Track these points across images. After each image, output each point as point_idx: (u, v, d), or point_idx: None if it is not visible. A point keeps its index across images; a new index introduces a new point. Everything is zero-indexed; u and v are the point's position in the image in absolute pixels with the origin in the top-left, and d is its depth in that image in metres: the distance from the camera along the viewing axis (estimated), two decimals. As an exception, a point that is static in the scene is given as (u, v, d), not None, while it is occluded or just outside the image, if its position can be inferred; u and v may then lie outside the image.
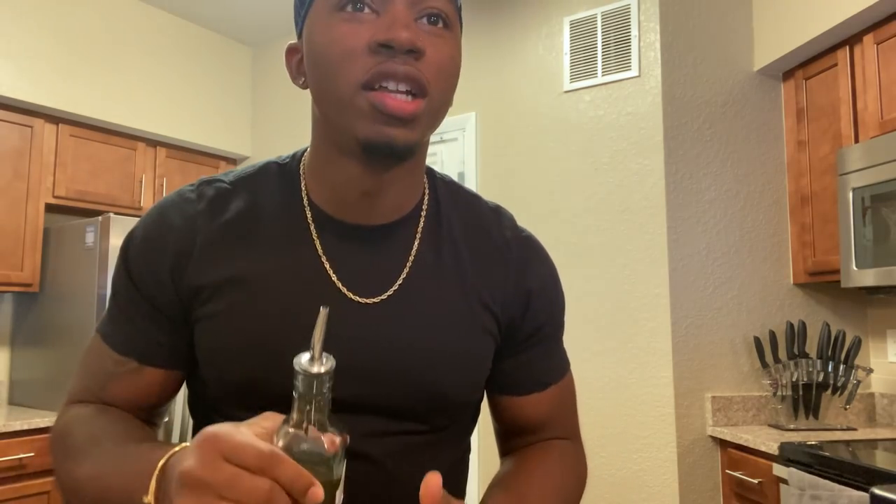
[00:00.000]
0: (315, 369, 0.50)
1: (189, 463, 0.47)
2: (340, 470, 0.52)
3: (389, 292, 0.70)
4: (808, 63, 2.49)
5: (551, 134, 2.70)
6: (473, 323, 0.73)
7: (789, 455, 2.00)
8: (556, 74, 2.71)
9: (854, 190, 2.19)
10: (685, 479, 2.32)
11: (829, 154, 2.38)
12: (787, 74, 2.60)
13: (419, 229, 0.74)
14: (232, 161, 3.75)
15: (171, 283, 0.69)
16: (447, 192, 0.79)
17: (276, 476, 0.46)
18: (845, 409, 2.40)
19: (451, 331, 0.72)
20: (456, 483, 0.79)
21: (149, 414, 0.74)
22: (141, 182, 3.26)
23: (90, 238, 2.80)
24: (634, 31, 2.52)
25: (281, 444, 0.50)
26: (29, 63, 2.86)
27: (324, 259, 0.70)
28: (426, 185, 0.77)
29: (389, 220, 0.72)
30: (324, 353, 0.51)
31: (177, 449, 0.56)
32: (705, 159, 2.51)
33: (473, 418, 0.82)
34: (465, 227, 0.77)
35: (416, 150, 0.68)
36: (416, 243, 0.73)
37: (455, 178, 3.04)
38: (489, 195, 3.04)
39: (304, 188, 0.73)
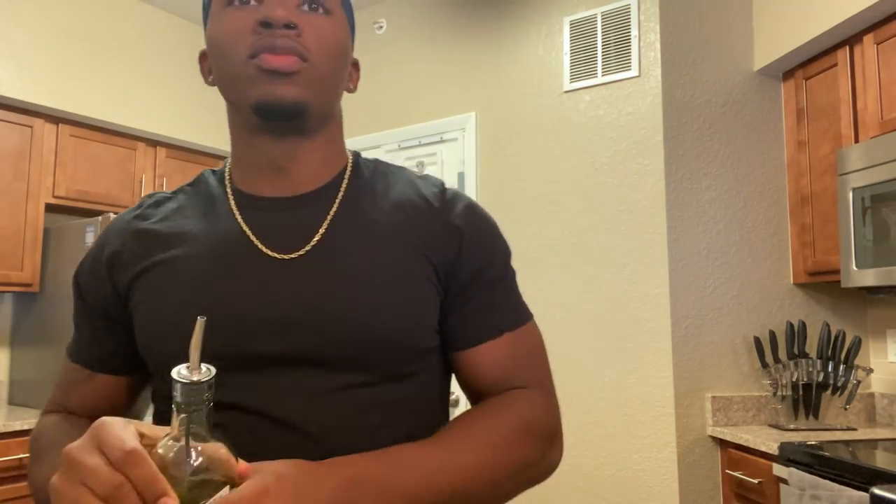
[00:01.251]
0: (194, 377, 0.51)
1: (74, 444, 0.51)
2: (207, 484, 0.51)
3: (308, 247, 0.73)
4: (808, 63, 2.49)
5: (551, 134, 2.70)
6: (407, 269, 0.74)
7: (789, 455, 2.00)
8: (556, 74, 2.71)
9: (854, 190, 2.19)
10: (685, 479, 2.32)
11: (829, 154, 2.38)
12: (787, 74, 2.60)
13: (340, 194, 0.78)
14: (232, 161, 3.75)
15: (111, 286, 0.76)
16: (373, 165, 0.84)
17: (130, 475, 0.49)
18: (845, 409, 2.40)
19: (383, 277, 0.72)
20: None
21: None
22: (141, 182, 3.26)
23: (90, 238, 2.80)
24: (634, 31, 2.52)
25: (160, 451, 0.51)
26: (29, 63, 2.86)
27: (244, 227, 0.74)
28: (349, 161, 0.82)
29: (307, 191, 0.77)
30: (203, 364, 0.52)
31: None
32: (705, 159, 2.51)
33: (433, 378, 0.79)
34: (391, 188, 0.80)
35: (311, 114, 0.73)
36: (335, 205, 0.77)
37: (455, 178, 3.05)
38: (489, 195, 3.03)
39: (227, 177, 0.80)
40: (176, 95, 3.40)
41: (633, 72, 2.51)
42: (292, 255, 0.72)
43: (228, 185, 0.79)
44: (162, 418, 0.75)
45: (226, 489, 0.52)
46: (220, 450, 0.52)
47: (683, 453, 2.34)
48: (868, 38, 2.22)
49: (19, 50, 2.84)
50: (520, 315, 0.82)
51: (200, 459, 0.51)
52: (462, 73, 2.99)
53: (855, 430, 2.35)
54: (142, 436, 0.53)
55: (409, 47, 3.17)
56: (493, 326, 0.78)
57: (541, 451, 0.74)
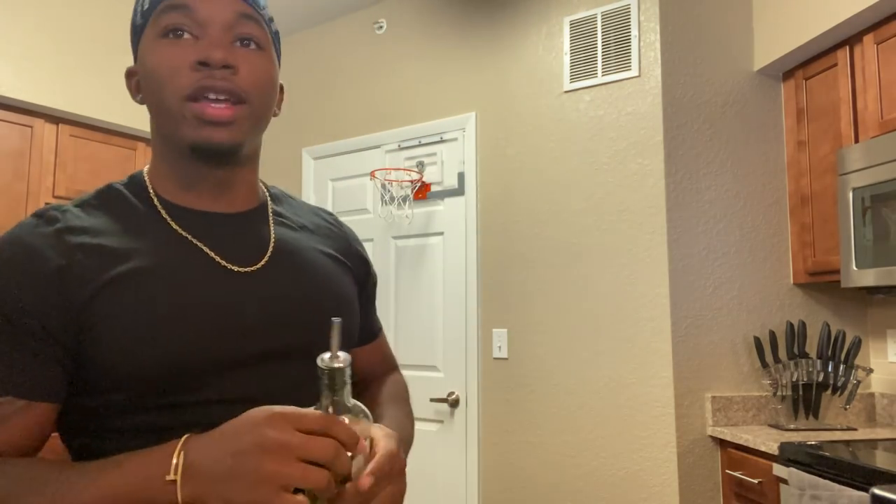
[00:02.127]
0: (335, 364, 0.63)
1: (263, 432, 0.58)
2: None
3: (263, 262, 0.81)
4: (808, 63, 2.49)
5: (551, 134, 2.70)
6: (343, 275, 0.90)
7: (789, 455, 2.00)
8: (556, 74, 2.71)
9: (854, 190, 2.19)
10: (685, 479, 2.33)
11: (829, 154, 2.38)
12: (787, 74, 2.60)
13: (269, 216, 0.87)
14: (232, 161, 3.75)
15: (60, 302, 0.69)
16: (279, 192, 0.96)
17: (336, 434, 0.59)
18: (845, 409, 2.40)
19: (331, 281, 0.87)
20: None
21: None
22: (141, 182, 3.25)
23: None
24: (634, 31, 2.52)
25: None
26: (29, 63, 2.86)
27: (192, 239, 0.78)
28: (264, 189, 0.92)
29: (242, 210, 0.85)
30: (340, 353, 0.63)
31: (187, 436, 0.62)
32: (705, 159, 2.51)
33: None
34: (302, 213, 0.94)
35: (244, 150, 0.80)
36: (271, 224, 0.86)
37: (455, 178, 3.05)
38: (489, 195, 3.03)
39: (151, 190, 0.81)
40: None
41: (633, 72, 2.51)
42: (253, 268, 0.80)
43: (155, 198, 0.80)
44: (89, 443, 0.73)
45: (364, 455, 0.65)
46: (367, 413, 0.68)
47: (683, 453, 2.34)
48: (868, 38, 2.22)
49: (19, 50, 2.84)
50: (379, 321, 1.08)
51: (355, 425, 0.64)
52: (462, 73, 2.98)
53: (855, 430, 2.35)
54: None
55: (409, 47, 3.17)
56: (377, 328, 1.04)
57: None
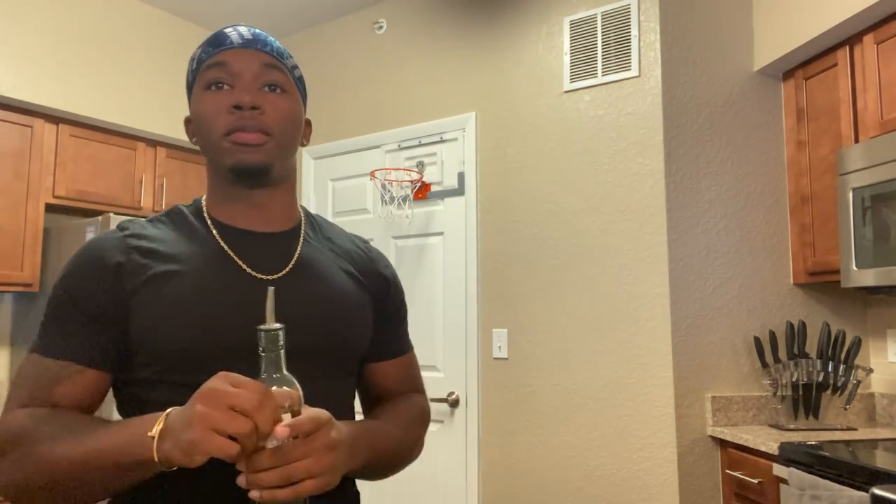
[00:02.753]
0: (271, 327, 0.75)
1: (209, 384, 0.71)
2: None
3: (284, 272, 0.97)
4: (808, 63, 2.49)
5: (551, 134, 2.70)
6: (356, 294, 1.03)
7: (789, 455, 2.00)
8: (556, 74, 2.71)
9: (854, 190, 2.19)
10: (685, 479, 2.32)
11: (829, 154, 2.38)
12: (787, 74, 2.60)
13: (301, 234, 1.04)
14: (232, 161, 3.75)
15: (115, 291, 0.88)
16: (318, 218, 1.12)
17: (262, 393, 0.71)
18: (845, 409, 2.40)
19: (344, 294, 1.00)
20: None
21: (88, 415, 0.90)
22: (141, 182, 3.26)
23: (90, 238, 2.80)
24: (634, 31, 2.52)
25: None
26: (29, 63, 2.86)
27: (228, 250, 0.95)
28: (302, 214, 1.08)
29: (278, 230, 1.01)
30: (276, 324, 0.76)
31: (172, 408, 0.75)
32: (705, 159, 2.51)
33: (355, 379, 1.08)
34: (336, 236, 1.10)
35: (274, 173, 0.97)
36: (300, 242, 1.02)
37: (455, 178, 3.05)
38: (489, 195, 3.02)
39: (205, 210, 1.00)
40: (176, 96, 3.40)
41: (633, 72, 2.51)
42: (273, 276, 0.95)
43: (208, 218, 0.99)
44: (129, 409, 0.91)
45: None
46: (294, 384, 0.76)
47: (683, 453, 2.34)
48: (868, 38, 2.22)
49: (19, 50, 2.84)
50: (410, 343, 1.17)
51: (284, 389, 0.74)
52: (462, 73, 2.98)
53: (855, 430, 2.35)
54: None
55: (409, 47, 3.17)
56: (399, 348, 1.13)
57: (425, 433, 1.10)
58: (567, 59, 2.68)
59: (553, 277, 2.64)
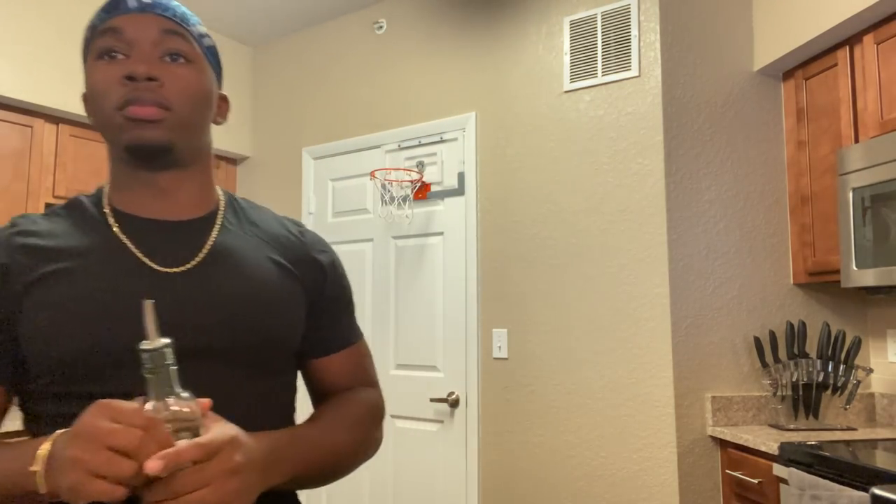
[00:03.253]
0: (154, 345, 0.65)
1: (83, 420, 0.62)
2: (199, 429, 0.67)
3: (191, 265, 0.85)
4: (808, 63, 2.49)
5: (551, 134, 2.70)
6: (282, 286, 0.91)
7: (789, 455, 2.00)
8: (556, 74, 2.71)
9: (854, 190, 2.19)
10: (685, 479, 2.32)
11: (829, 154, 2.38)
12: (787, 74, 2.60)
13: (218, 221, 0.92)
14: (232, 161, 3.75)
15: (2, 294, 0.79)
16: (245, 203, 1.00)
17: (145, 426, 0.62)
18: (845, 409, 2.40)
19: (266, 285, 0.89)
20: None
21: None
22: (141, 182, 3.25)
23: None
24: (634, 31, 2.52)
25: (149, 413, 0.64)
26: (29, 63, 2.86)
27: (127, 242, 0.85)
28: (221, 198, 0.96)
29: (188, 218, 0.90)
30: (162, 339, 0.65)
31: (60, 431, 0.67)
32: (705, 159, 2.51)
33: (292, 377, 0.97)
34: (263, 221, 0.98)
35: (178, 152, 0.86)
36: (215, 231, 0.90)
37: (455, 178, 3.04)
38: (489, 195, 3.02)
39: (106, 200, 0.89)
40: (176, 95, 3.39)
41: (633, 72, 2.51)
42: (177, 269, 0.84)
43: (107, 207, 0.88)
44: (31, 426, 0.83)
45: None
46: (190, 404, 0.66)
47: (683, 453, 2.34)
48: (868, 38, 2.22)
49: (19, 50, 2.84)
50: (358, 332, 1.05)
51: (179, 411, 0.65)
52: (462, 73, 2.98)
53: (855, 430, 2.35)
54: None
55: (409, 47, 3.17)
56: (344, 340, 1.02)
57: (380, 432, 1.00)
58: (567, 59, 2.68)
59: (553, 277, 2.64)
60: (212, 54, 0.92)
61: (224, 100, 0.97)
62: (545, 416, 2.60)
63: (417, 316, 3.00)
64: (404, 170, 3.02)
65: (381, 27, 3.29)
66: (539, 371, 2.64)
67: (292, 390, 0.97)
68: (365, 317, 3.17)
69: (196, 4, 3.33)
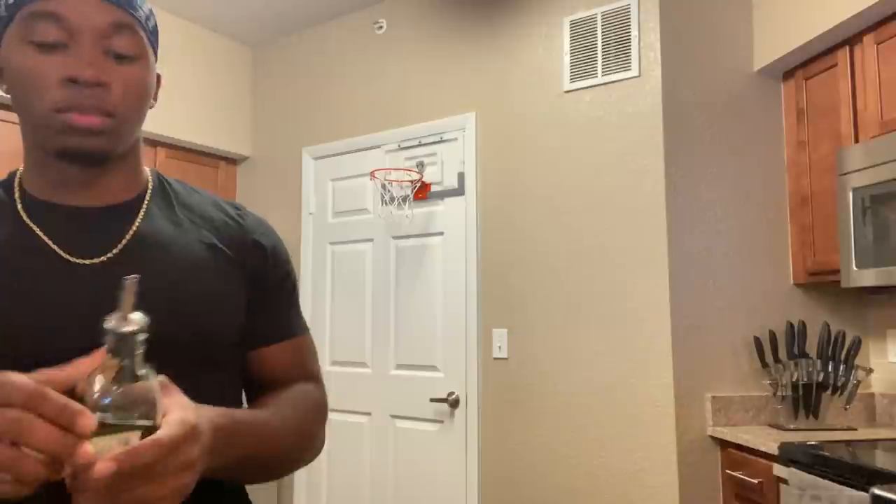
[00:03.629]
0: (124, 328, 0.57)
1: None
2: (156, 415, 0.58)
3: (110, 254, 0.77)
4: (808, 63, 2.49)
5: (551, 134, 2.70)
6: (219, 267, 0.84)
7: (789, 455, 2.00)
8: (556, 74, 2.71)
9: (854, 190, 2.19)
10: (685, 479, 2.32)
11: (829, 154, 2.38)
12: (787, 74, 2.60)
13: (143, 206, 0.84)
14: (232, 161, 3.75)
15: None
16: (178, 186, 0.92)
17: (40, 410, 0.51)
18: (845, 409, 2.40)
19: (198, 273, 0.81)
20: None
21: None
22: (141, 182, 3.25)
23: None
24: (634, 31, 2.52)
25: (97, 394, 0.55)
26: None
27: (39, 233, 0.76)
28: (150, 180, 0.88)
29: (108, 204, 0.81)
30: (135, 315, 0.58)
31: None
32: (705, 159, 2.51)
33: (234, 370, 0.89)
34: (198, 204, 0.89)
35: (114, 154, 0.79)
36: (140, 217, 0.82)
37: (455, 178, 3.04)
38: (489, 195, 3.02)
39: (17, 185, 0.81)
40: (176, 95, 3.40)
41: (633, 72, 2.51)
42: (95, 260, 0.76)
43: (18, 193, 0.80)
44: None
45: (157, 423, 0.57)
46: (148, 383, 0.58)
47: (683, 453, 2.34)
48: (868, 38, 2.22)
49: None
50: (304, 325, 0.97)
51: (133, 392, 0.56)
52: (462, 73, 2.98)
53: (855, 430, 2.35)
54: (49, 381, 0.55)
55: (409, 47, 3.17)
56: (287, 329, 0.93)
57: (323, 432, 0.93)
58: (567, 59, 2.68)
59: (553, 277, 2.64)
60: (154, 37, 0.84)
61: (158, 80, 0.87)
62: (545, 416, 2.60)
63: (417, 316, 3.00)
64: (404, 170, 3.02)
65: (381, 27, 3.29)
66: (539, 371, 2.64)
67: (237, 385, 0.90)
68: (365, 317, 3.17)
69: (196, 5, 3.33)
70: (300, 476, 3.26)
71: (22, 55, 0.73)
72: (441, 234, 2.97)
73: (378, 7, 3.31)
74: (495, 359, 2.76)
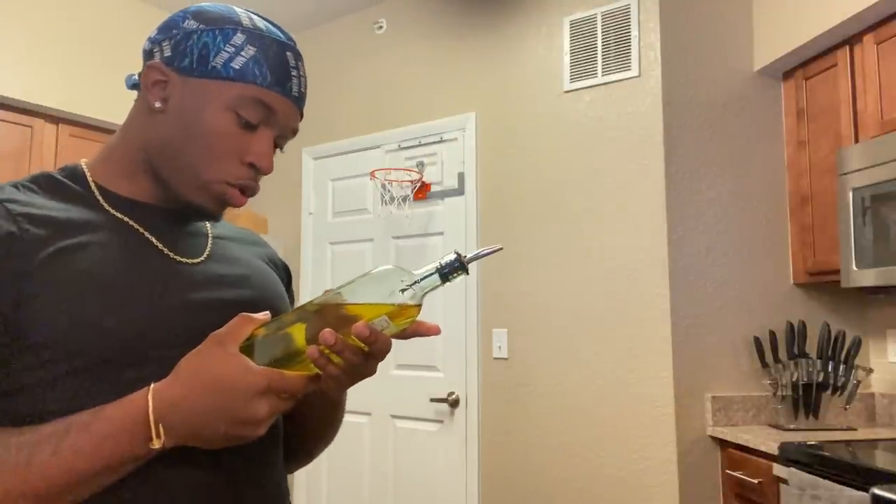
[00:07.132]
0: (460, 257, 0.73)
1: (204, 366, 0.66)
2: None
3: (204, 255, 0.83)
4: (808, 63, 2.49)
5: (551, 134, 2.70)
6: (275, 276, 0.93)
7: (789, 455, 2.00)
8: (556, 74, 2.71)
9: (854, 190, 2.19)
10: (685, 479, 2.32)
11: (829, 154, 2.38)
12: (787, 74, 2.60)
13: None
14: (232, 161, 3.74)
15: (9, 267, 0.68)
16: None
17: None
18: (845, 409, 2.40)
19: (268, 279, 0.89)
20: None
21: None
22: (141, 182, 3.25)
23: None
24: (634, 31, 2.52)
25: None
26: (29, 63, 2.86)
27: (134, 225, 0.79)
28: None
29: (175, 207, 0.84)
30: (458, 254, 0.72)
31: (154, 385, 0.66)
32: (705, 159, 2.51)
33: None
34: (222, 224, 0.94)
35: None
36: (207, 224, 0.89)
37: (455, 178, 3.04)
38: (489, 195, 3.02)
39: (90, 178, 0.81)
40: (176, 95, 3.40)
41: (633, 72, 2.51)
42: (192, 261, 0.81)
43: (93, 184, 0.80)
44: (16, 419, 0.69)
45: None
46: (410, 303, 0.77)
47: (683, 453, 2.34)
48: (868, 38, 2.22)
49: (19, 50, 2.84)
50: None
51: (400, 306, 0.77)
52: (462, 73, 2.98)
53: (855, 430, 2.35)
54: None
55: (409, 47, 3.17)
56: None
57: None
58: (567, 59, 2.68)
59: (553, 277, 2.64)
60: None
61: None
62: (545, 415, 2.60)
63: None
64: (404, 170, 3.02)
65: (381, 27, 3.29)
66: (539, 371, 2.64)
67: None
68: (365, 317, 3.16)
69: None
70: (300, 476, 3.26)
71: (220, 117, 0.77)
72: (441, 234, 2.97)
73: (378, 7, 3.31)
74: (495, 359, 2.76)
